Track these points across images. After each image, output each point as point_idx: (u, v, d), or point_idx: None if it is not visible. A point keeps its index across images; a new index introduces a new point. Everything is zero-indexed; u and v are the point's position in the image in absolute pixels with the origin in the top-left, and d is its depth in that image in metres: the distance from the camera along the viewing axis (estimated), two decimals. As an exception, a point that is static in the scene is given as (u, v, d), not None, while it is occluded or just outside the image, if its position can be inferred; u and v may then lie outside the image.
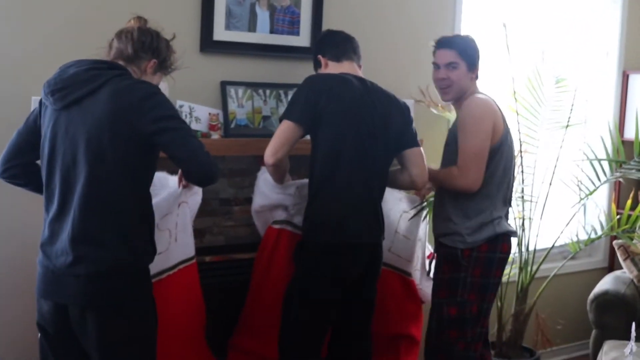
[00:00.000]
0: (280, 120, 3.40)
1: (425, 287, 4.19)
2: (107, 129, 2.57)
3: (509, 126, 3.72)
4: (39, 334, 2.78)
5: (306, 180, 3.62)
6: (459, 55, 3.60)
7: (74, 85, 2.62)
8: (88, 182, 2.58)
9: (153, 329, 2.82)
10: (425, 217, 4.12)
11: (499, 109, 3.67)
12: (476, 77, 3.68)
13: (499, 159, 3.57)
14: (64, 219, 2.62)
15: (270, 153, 3.33)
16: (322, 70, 3.60)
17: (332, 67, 3.56)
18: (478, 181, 3.50)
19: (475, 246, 3.54)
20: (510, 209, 3.82)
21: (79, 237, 2.59)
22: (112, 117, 2.57)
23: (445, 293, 3.62)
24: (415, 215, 4.06)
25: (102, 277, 2.61)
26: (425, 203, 4.09)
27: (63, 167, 2.63)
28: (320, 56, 3.61)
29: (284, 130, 3.35)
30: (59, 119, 2.64)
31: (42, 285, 2.70)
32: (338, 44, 3.62)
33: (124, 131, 2.58)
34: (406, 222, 4.08)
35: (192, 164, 2.69)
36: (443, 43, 3.66)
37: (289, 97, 3.94)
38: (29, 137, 2.78)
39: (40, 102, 2.75)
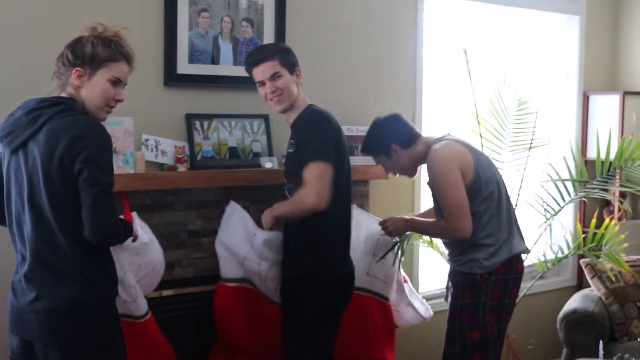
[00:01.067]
0: (312, 161, 3.29)
1: (403, 311, 4.23)
2: (43, 171, 2.54)
3: (477, 148, 3.80)
4: None
5: (274, 234, 3.67)
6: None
7: (18, 130, 2.61)
8: (34, 226, 2.59)
9: None
10: (398, 253, 4.17)
11: (462, 143, 3.71)
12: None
13: (485, 182, 3.60)
14: (25, 262, 2.64)
15: (321, 199, 3.26)
16: (294, 80, 3.48)
17: (301, 93, 3.53)
18: (469, 227, 3.53)
19: (493, 269, 3.58)
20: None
21: (36, 278, 2.61)
22: (47, 159, 2.54)
23: (467, 318, 3.64)
24: (384, 256, 4.11)
25: (61, 314, 2.61)
26: (397, 241, 4.14)
27: (16, 212, 2.65)
28: (299, 68, 3.53)
29: (326, 174, 3.29)
30: (10, 163, 2.66)
31: (10, 321, 2.74)
32: None
33: (57, 172, 2.54)
34: (383, 244, 4.11)
35: (89, 216, 2.55)
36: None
37: (255, 128, 3.99)
38: None
39: None
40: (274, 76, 3.43)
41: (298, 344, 3.53)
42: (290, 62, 3.47)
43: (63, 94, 2.70)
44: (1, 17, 3.39)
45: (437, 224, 3.68)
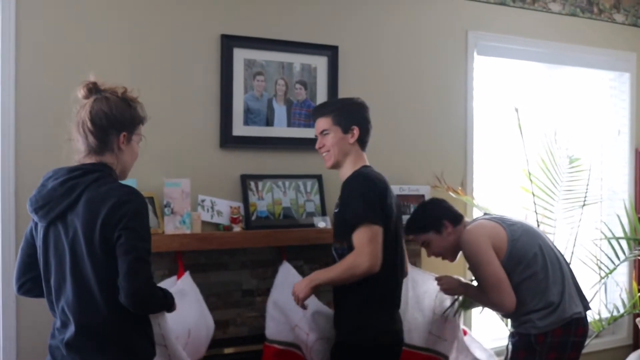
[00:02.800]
0: (362, 224, 3.19)
1: None
2: (85, 242, 2.53)
3: (511, 218, 3.77)
4: None
5: (325, 308, 3.66)
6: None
7: (53, 202, 2.57)
8: (77, 296, 2.57)
9: None
10: (455, 308, 4.14)
11: (494, 219, 3.71)
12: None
13: (523, 250, 3.58)
14: (66, 329, 2.61)
15: (375, 261, 3.17)
16: (347, 139, 3.36)
17: (357, 151, 3.41)
18: (510, 301, 3.51)
19: (549, 330, 3.54)
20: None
21: (79, 347, 2.58)
22: (88, 229, 2.51)
23: None
24: (447, 312, 4.11)
25: None
26: (457, 300, 4.12)
27: (55, 283, 2.62)
28: (357, 127, 3.39)
29: (377, 235, 3.20)
30: (48, 234, 2.61)
31: None
32: (369, 132, 3.48)
33: (99, 241, 2.52)
34: (442, 302, 4.11)
35: (125, 282, 2.51)
36: None
37: (308, 188, 4.04)
38: (30, 251, 2.75)
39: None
40: (322, 133, 3.41)
41: None
42: (346, 120, 3.38)
43: (93, 160, 2.64)
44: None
45: (486, 296, 3.63)
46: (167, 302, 2.74)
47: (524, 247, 3.59)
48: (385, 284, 3.34)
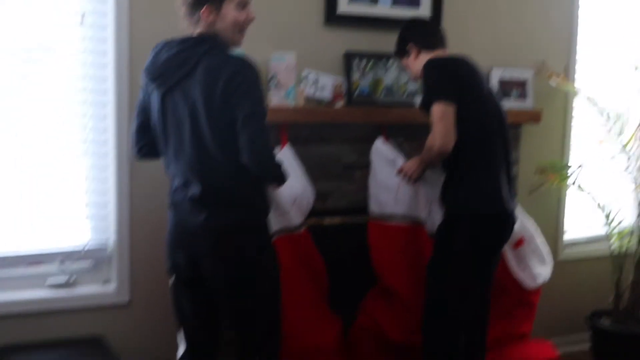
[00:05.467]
0: (432, 104, 3.44)
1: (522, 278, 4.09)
2: (203, 106, 2.71)
3: None
4: (172, 279, 3.06)
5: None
6: None
7: (170, 71, 2.78)
8: (198, 160, 2.79)
9: (277, 280, 3.03)
10: None
11: None
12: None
13: None
14: (189, 187, 2.84)
15: (447, 139, 3.38)
16: (412, 59, 3.71)
17: (427, 55, 3.63)
18: None
19: None
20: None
21: (207, 203, 2.82)
22: (206, 95, 2.70)
23: None
24: None
25: (230, 232, 2.84)
26: None
27: (175, 145, 2.85)
28: (411, 43, 3.70)
29: (448, 113, 3.39)
30: (165, 100, 2.82)
31: (175, 238, 2.98)
32: (431, 33, 3.75)
33: (217, 106, 2.70)
34: None
35: (247, 149, 2.72)
36: None
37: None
38: (144, 117, 2.98)
39: (143, 86, 2.95)
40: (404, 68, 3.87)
41: (436, 281, 3.65)
42: (402, 48, 3.77)
43: (197, 30, 2.83)
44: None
45: None
46: (283, 171, 2.89)
47: None
48: (479, 161, 3.51)
